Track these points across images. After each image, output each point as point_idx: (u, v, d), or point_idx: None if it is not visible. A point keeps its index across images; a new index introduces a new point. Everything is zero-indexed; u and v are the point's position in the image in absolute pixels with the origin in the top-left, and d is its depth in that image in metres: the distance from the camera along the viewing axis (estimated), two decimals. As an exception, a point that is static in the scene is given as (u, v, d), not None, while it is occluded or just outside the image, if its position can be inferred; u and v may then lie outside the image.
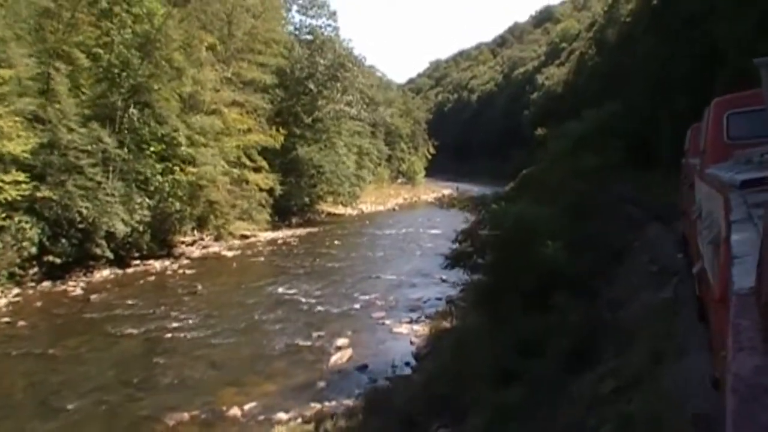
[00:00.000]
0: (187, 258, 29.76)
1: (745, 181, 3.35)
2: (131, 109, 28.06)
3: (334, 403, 11.96)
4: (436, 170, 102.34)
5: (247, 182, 35.91)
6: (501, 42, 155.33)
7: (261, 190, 37.67)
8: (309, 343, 16.15)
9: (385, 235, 38.91)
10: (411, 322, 17.76)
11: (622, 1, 49.72)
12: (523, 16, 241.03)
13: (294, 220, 44.90)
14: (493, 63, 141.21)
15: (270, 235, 37.54)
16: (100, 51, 27.05)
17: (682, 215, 10.21)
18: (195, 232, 33.64)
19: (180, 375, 14.09)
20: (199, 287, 23.19)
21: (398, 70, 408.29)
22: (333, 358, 14.69)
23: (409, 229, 40.23)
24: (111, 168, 25.99)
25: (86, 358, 15.57)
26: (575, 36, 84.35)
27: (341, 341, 15.97)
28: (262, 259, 30.10)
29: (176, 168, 28.87)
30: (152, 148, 28.30)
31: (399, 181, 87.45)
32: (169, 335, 17.15)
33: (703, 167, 6.62)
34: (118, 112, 27.21)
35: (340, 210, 52.63)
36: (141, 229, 27.06)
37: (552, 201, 20.83)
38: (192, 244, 32.77)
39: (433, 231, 36.14)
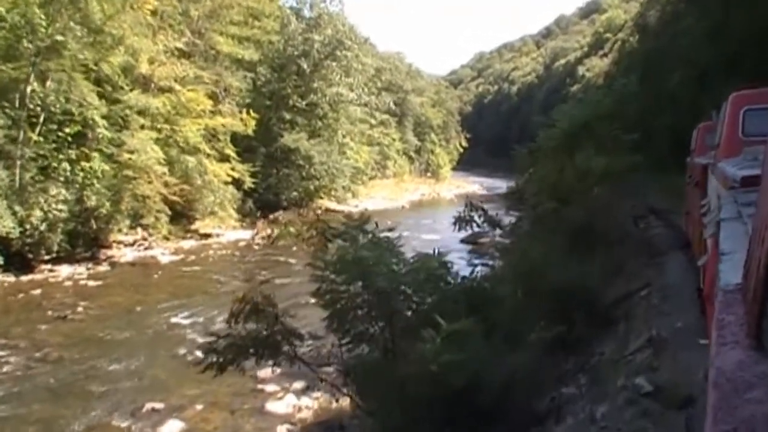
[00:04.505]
0: (110, 263, 24.54)
1: (746, 177, 3.28)
2: (48, 82, 23.09)
3: None
4: (471, 164, 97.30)
5: (206, 173, 30.40)
6: (546, 34, 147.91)
7: (226, 183, 32.34)
8: (127, 424, 10.66)
9: (372, 240, 33.16)
10: (303, 390, 12.08)
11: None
12: (571, 9, 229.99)
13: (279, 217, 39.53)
14: (536, 54, 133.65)
15: (237, 234, 32.20)
16: (2, 9, 21.99)
17: (686, 215, 10.23)
18: (139, 230, 28.60)
19: None
20: (79, 308, 17.94)
21: (445, 62, 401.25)
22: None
23: (404, 233, 34.33)
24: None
25: None
26: (621, 26, 77.00)
27: (173, 426, 10.43)
28: (198, 268, 24.59)
29: (94, 155, 23.61)
30: (67, 130, 23.15)
31: (428, 174, 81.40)
32: (-51, 394, 11.90)
33: (716, 162, 6.33)
34: (21, 84, 22.17)
35: (340, 207, 47.01)
36: (43, 228, 21.97)
37: (530, 218, 15.02)
38: (132, 244, 27.70)
39: (430, 236, 30.43)
